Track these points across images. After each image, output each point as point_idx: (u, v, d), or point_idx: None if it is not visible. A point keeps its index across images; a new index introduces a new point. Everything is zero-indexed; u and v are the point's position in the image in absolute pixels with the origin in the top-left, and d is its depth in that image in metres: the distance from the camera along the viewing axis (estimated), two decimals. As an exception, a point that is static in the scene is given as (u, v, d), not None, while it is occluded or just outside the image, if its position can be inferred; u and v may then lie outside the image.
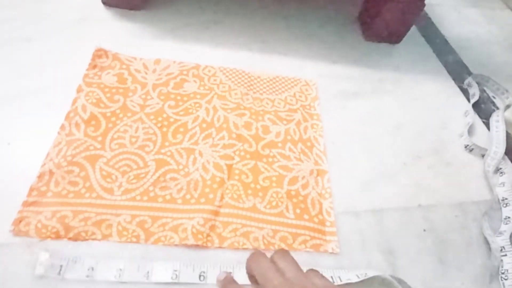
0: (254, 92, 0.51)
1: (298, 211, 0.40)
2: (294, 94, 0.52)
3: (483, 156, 0.51)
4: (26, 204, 0.36)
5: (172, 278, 0.33)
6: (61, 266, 0.32)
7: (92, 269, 0.33)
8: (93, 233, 0.35)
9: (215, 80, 0.51)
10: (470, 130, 0.54)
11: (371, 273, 0.36)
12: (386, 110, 0.55)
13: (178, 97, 0.48)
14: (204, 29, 0.59)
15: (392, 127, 0.53)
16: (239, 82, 0.51)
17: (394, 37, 0.65)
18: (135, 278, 0.33)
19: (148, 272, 0.33)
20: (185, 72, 0.51)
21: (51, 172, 0.38)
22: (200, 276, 0.34)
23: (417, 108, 0.57)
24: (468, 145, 0.52)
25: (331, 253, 0.38)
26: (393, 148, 0.51)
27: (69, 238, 0.34)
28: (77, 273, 0.32)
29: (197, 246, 0.36)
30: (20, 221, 0.35)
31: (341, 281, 0.35)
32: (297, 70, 0.57)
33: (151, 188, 0.39)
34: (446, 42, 0.71)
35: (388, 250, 0.40)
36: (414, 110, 0.57)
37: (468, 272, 0.40)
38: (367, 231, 0.41)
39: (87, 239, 0.35)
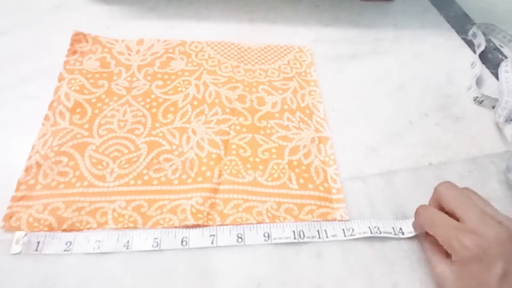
0: (246, 64, 0.48)
1: (301, 181, 0.38)
2: (288, 62, 0.49)
3: (493, 107, 0.48)
4: (15, 199, 0.34)
5: (153, 246, 0.32)
6: (38, 242, 0.31)
7: (70, 243, 0.32)
8: (88, 223, 0.33)
9: (203, 55, 0.48)
10: (478, 82, 0.51)
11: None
12: (386, 70, 0.52)
13: (166, 76, 0.45)
14: (187, 4, 0.56)
15: (394, 87, 0.50)
16: (228, 55, 0.49)
17: None
18: (114, 249, 0.32)
19: (128, 242, 0.32)
20: (170, 50, 0.48)
21: (38, 164, 0.36)
22: (182, 241, 0.33)
23: (420, 65, 0.54)
24: (477, 97, 0.49)
25: (339, 220, 0.36)
26: (397, 108, 0.48)
27: (63, 230, 0.33)
28: (55, 247, 0.32)
29: (198, 225, 0.34)
30: (11, 217, 0.33)
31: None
32: (290, 38, 0.54)
33: (144, 172, 0.37)
34: None
35: (400, 214, 0.38)
36: (416, 68, 0.53)
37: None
38: (376, 195, 0.39)
39: (81, 229, 0.33)
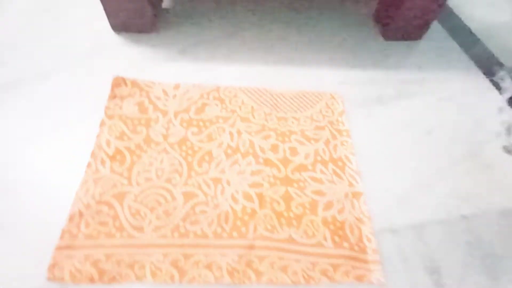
0: (278, 111, 0.49)
1: (336, 239, 0.38)
2: (320, 110, 0.50)
3: None
4: (59, 248, 0.35)
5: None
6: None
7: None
8: (127, 275, 0.34)
9: (236, 101, 0.49)
10: (508, 128, 0.50)
11: None
12: (413, 114, 0.52)
13: (201, 123, 0.47)
14: (216, 46, 0.58)
15: (422, 133, 0.50)
16: (261, 102, 0.50)
17: (414, 33, 0.61)
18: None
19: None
20: (205, 96, 0.50)
21: (80, 213, 0.37)
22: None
23: (447, 109, 0.53)
24: (506, 146, 0.48)
25: (376, 284, 0.35)
26: (426, 155, 0.47)
27: (103, 282, 0.34)
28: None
29: (233, 284, 0.34)
30: (54, 266, 0.34)
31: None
32: (316, 80, 0.54)
33: (181, 223, 0.38)
34: (471, 33, 0.66)
35: (433, 269, 0.37)
36: (443, 112, 0.53)
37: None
38: (408, 248, 0.38)
39: (121, 282, 0.34)
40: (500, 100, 0.55)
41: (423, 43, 0.63)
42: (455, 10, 0.71)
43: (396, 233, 0.40)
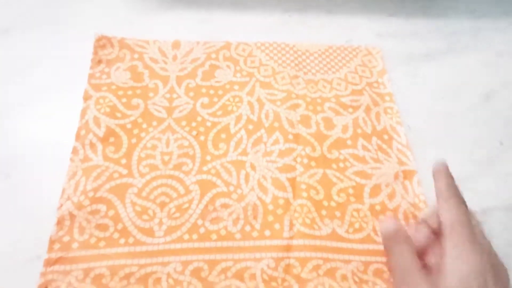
0: (305, 73, 0.40)
1: (390, 233, 0.31)
2: (356, 69, 0.41)
3: None
4: (49, 262, 0.28)
5: None
6: None
7: None
8: (140, 294, 0.27)
9: (252, 61, 0.40)
10: None
11: None
12: (468, 74, 0.43)
13: (211, 91, 0.37)
14: None
15: (480, 97, 0.42)
16: (284, 61, 0.40)
17: None
18: None
19: None
20: (213, 55, 0.40)
21: (71, 215, 0.30)
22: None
23: (509, 65, 0.45)
24: None
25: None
26: (486, 125, 0.40)
27: (111, 304, 0.27)
28: None
29: (272, 297, 0.28)
30: (46, 287, 0.27)
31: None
32: (348, 32, 0.45)
33: (199, 222, 0.30)
34: None
35: None
36: (504, 69, 0.44)
37: None
38: None
39: (133, 302, 0.27)
40: None
41: None
42: None
43: None
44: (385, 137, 0.36)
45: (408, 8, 0.48)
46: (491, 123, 0.40)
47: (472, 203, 0.33)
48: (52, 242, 0.28)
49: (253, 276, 0.28)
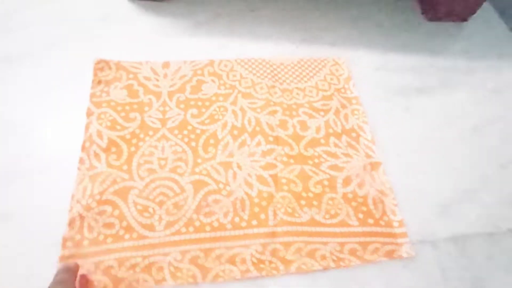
0: (281, 83, 0.45)
1: (360, 215, 0.36)
2: (325, 77, 0.46)
3: None
4: (63, 258, 0.32)
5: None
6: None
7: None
8: (145, 281, 0.31)
9: (234, 75, 0.45)
10: None
11: None
12: (458, 108, 0.45)
13: (199, 103, 0.42)
14: (239, 19, 0.51)
15: (468, 130, 0.44)
16: (261, 74, 0.46)
17: (462, 13, 0.53)
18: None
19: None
20: (199, 72, 0.45)
21: (81, 217, 0.34)
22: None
23: (497, 103, 0.46)
24: None
25: (406, 257, 0.34)
26: (471, 157, 0.41)
27: (119, 291, 0.31)
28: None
29: (261, 277, 0.32)
30: (61, 280, 0.31)
31: None
32: (350, 63, 0.48)
33: (194, 216, 0.35)
34: None
35: (477, 286, 0.34)
36: (493, 106, 0.46)
37: None
38: (448, 263, 0.34)
39: (139, 289, 0.31)
40: None
41: (471, 26, 0.55)
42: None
43: (435, 246, 0.35)
44: (353, 134, 0.42)
45: (407, 45, 0.51)
46: (477, 156, 0.42)
47: (454, 229, 0.36)
48: (65, 240, 0.32)
49: (243, 260, 0.33)
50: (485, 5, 0.56)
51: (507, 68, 0.51)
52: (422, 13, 0.56)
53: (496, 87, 0.49)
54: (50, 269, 0.30)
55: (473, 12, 0.54)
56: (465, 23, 0.55)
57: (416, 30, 0.54)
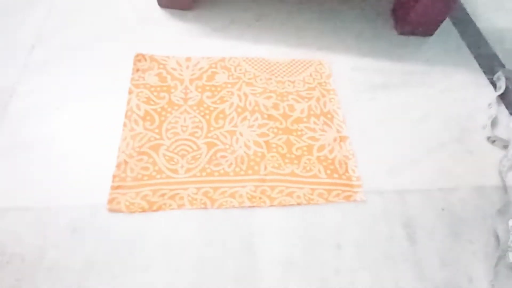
0: (276, 77, 0.58)
1: (328, 172, 0.49)
2: (311, 74, 0.60)
3: (505, 147, 0.54)
4: (113, 188, 0.45)
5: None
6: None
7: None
8: (170, 205, 0.44)
9: (240, 69, 0.59)
10: (494, 122, 0.56)
11: None
12: (413, 102, 0.58)
13: (213, 88, 0.56)
14: (247, 27, 0.65)
15: (419, 117, 0.57)
16: (261, 69, 0.59)
17: (427, 30, 0.67)
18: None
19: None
20: (213, 65, 0.59)
21: (125, 162, 0.47)
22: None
23: (444, 99, 0.59)
24: (490, 137, 0.55)
25: (359, 201, 0.47)
26: (418, 136, 0.54)
27: (153, 210, 0.44)
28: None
29: (253, 206, 0.45)
30: (112, 201, 0.44)
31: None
32: (331, 64, 0.61)
33: (207, 166, 0.48)
34: (480, 34, 0.71)
35: (408, 224, 0.46)
36: (441, 102, 0.59)
37: (479, 245, 0.45)
38: (391, 207, 0.47)
39: (166, 210, 0.44)
40: (492, 97, 0.60)
41: (434, 40, 0.68)
42: (469, 12, 0.75)
43: (382, 195, 0.48)
44: (329, 116, 0.55)
45: (379, 52, 0.64)
46: (423, 136, 0.54)
47: (395, 184, 0.48)
48: (114, 176, 0.45)
49: (241, 195, 0.45)
50: (447, 24, 0.69)
51: (459, 73, 0.64)
52: (395, 28, 0.69)
53: (447, 87, 0.62)
54: (104, 195, 0.43)
55: (436, 28, 0.67)
56: (430, 37, 0.69)
57: (388, 41, 0.67)
